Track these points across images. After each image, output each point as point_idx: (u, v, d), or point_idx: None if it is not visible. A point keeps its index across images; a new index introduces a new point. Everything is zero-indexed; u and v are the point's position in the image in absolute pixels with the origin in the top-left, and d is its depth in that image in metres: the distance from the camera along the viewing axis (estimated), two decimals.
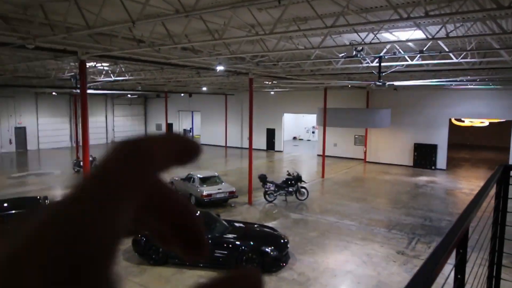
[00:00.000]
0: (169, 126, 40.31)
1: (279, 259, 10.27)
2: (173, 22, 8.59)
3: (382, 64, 12.95)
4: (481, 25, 8.78)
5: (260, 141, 34.40)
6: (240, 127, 36.05)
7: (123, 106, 42.01)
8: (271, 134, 34.29)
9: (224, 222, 11.56)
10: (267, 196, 16.91)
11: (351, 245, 12.05)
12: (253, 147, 17.36)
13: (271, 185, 16.89)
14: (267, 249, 10.20)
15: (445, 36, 7.95)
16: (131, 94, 37.93)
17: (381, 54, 10.83)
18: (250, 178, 16.71)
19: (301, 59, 12.78)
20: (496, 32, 7.40)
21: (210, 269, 10.15)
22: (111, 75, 18.41)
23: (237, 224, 11.80)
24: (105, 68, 16.80)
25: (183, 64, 12.29)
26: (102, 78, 19.41)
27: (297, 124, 43.58)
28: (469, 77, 17.05)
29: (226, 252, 10.30)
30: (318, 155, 28.52)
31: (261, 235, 11.28)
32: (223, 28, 8.00)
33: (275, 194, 16.89)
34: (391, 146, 27.65)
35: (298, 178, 17.09)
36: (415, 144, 26.40)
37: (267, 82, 21.60)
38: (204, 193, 15.58)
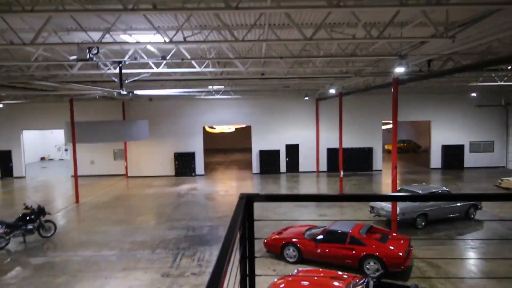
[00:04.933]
0: None
1: None
2: None
3: (128, 71, 11.81)
4: (218, 34, 8.92)
5: None
6: None
7: None
8: (7, 157, 27.44)
9: None
10: None
11: (111, 280, 10.27)
12: None
13: (0, 226, 12.82)
14: None
15: (183, 40, 7.53)
16: None
17: (122, 59, 9.58)
18: None
19: (21, 60, 9.96)
20: (228, 40, 7.46)
21: None
22: None
23: None
24: None
25: None
26: None
27: (45, 142, 37.09)
28: (214, 87, 18.26)
29: None
30: (73, 176, 24.70)
31: None
32: None
33: (7, 238, 12.91)
34: (152, 158, 27.10)
35: (40, 211, 13.71)
36: (175, 153, 26.81)
37: None
38: None
